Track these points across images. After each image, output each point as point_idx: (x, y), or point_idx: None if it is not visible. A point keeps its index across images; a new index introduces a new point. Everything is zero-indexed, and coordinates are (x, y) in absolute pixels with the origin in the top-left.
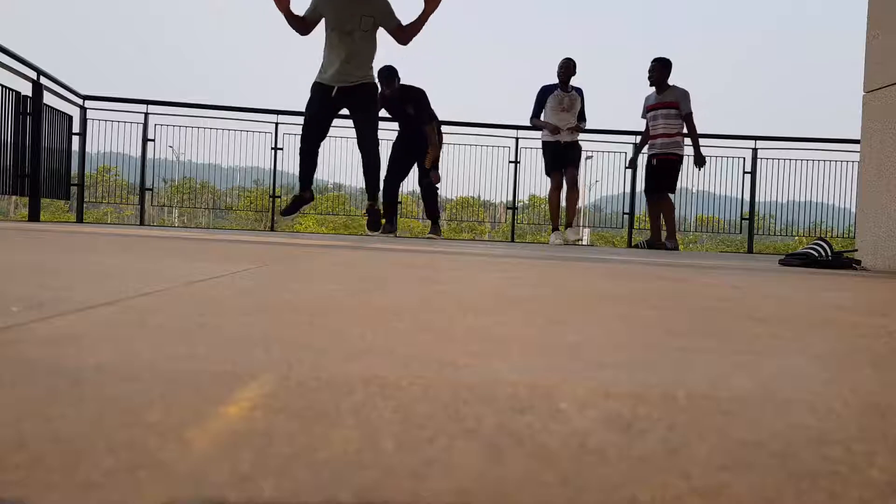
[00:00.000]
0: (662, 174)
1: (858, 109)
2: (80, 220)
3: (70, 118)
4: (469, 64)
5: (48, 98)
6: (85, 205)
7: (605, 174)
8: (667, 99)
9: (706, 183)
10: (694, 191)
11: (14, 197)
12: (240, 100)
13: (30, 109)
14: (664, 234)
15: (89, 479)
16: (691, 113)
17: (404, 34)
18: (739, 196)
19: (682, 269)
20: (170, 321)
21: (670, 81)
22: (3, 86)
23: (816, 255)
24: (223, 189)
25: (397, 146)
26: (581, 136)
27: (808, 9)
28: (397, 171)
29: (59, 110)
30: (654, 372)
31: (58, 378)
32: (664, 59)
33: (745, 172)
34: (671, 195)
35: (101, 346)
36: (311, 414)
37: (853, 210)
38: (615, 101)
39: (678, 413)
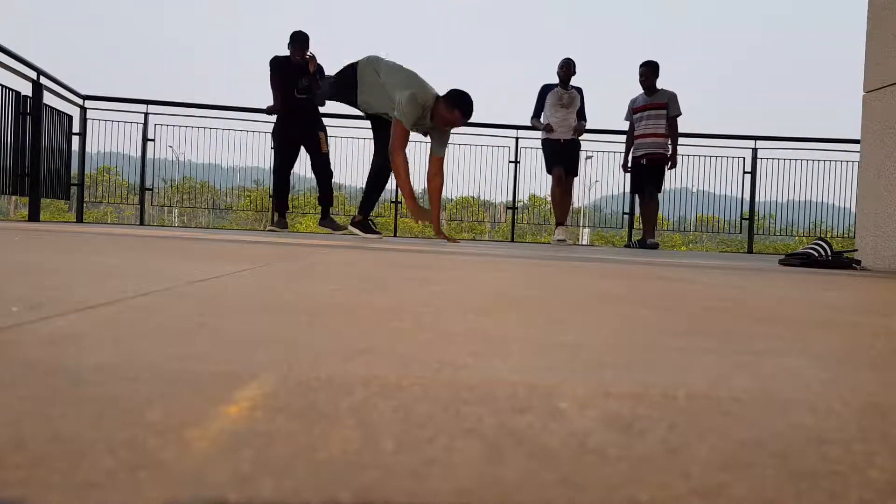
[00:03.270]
0: (652, 173)
1: (858, 109)
2: (80, 219)
3: (70, 118)
4: (469, 64)
5: (48, 98)
6: (85, 205)
7: (605, 174)
8: (657, 100)
9: (706, 183)
10: (694, 191)
11: (14, 197)
12: (240, 100)
13: (30, 109)
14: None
15: (89, 479)
16: (679, 115)
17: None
18: (739, 196)
19: (682, 269)
20: (170, 321)
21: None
22: (3, 86)
23: (816, 255)
24: (223, 189)
25: (283, 132)
26: (581, 135)
27: (809, 9)
28: (290, 161)
29: (59, 110)
30: (654, 372)
31: (58, 378)
32: (653, 62)
33: (745, 172)
34: (658, 194)
35: (102, 346)
36: (311, 414)
37: (853, 210)
38: (616, 102)
39: (678, 413)
